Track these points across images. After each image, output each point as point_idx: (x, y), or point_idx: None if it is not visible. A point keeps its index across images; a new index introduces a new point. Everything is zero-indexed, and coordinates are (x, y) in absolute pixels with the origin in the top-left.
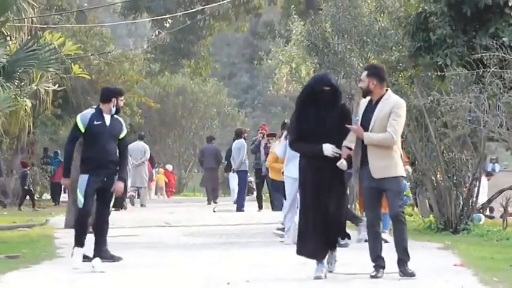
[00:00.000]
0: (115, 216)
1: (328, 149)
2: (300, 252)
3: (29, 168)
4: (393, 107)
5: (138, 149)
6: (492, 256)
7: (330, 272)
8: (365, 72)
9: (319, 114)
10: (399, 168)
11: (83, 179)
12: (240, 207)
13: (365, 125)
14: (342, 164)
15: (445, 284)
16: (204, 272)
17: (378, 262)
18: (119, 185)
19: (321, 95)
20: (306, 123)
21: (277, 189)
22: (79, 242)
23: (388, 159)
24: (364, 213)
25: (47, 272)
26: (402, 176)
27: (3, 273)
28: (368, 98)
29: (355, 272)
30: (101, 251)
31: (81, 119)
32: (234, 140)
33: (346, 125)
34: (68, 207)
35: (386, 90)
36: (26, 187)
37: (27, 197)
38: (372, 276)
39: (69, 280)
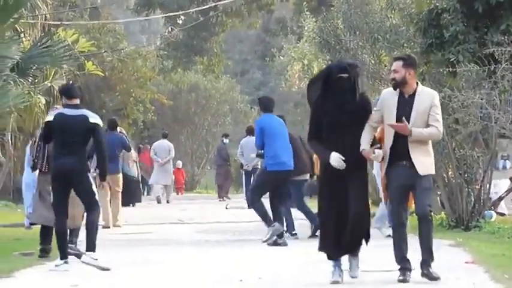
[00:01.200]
0: (128, 213)
1: (336, 159)
2: (321, 248)
3: None
4: (432, 100)
5: (163, 147)
6: (503, 253)
7: (353, 277)
8: (400, 62)
9: (338, 105)
10: (434, 164)
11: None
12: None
13: (402, 120)
14: (377, 156)
15: (457, 282)
16: (217, 268)
17: (404, 264)
18: None
19: (338, 83)
20: (324, 115)
21: None
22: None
23: (429, 155)
24: (391, 211)
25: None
26: None
27: (18, 269)
28: (395, 91)
29: (366, 269)
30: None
31: None
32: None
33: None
34: (34, 203)
35: (417, 82)
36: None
37: None
38: (400, 281)
39: (83, 277)
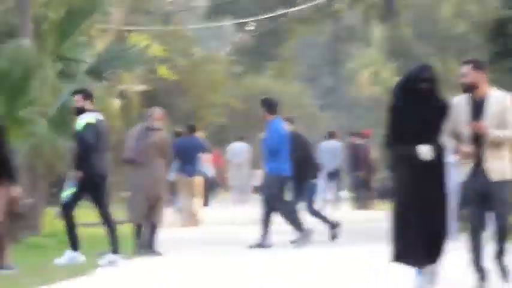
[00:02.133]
0: (207, 214)
1: (425, 152)
2: (397, 258)
3: None
4: (505, 103)
5: (239, 150)
6: None
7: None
8: (469, 66)
9: (417, 112)
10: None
11: None
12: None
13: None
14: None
15: None
16: (275, 268)
17: (481, 271)
18: None
19: (419, 91)
20: (403, 121)
21: None
22: None
23: (506, 160)
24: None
25: (137, 268)
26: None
27: (95, 267)
28: (466, 96)
29: None
30: None
31: None
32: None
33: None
34: None
35: (488, 86)
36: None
37: None
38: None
39: (158, 276)
